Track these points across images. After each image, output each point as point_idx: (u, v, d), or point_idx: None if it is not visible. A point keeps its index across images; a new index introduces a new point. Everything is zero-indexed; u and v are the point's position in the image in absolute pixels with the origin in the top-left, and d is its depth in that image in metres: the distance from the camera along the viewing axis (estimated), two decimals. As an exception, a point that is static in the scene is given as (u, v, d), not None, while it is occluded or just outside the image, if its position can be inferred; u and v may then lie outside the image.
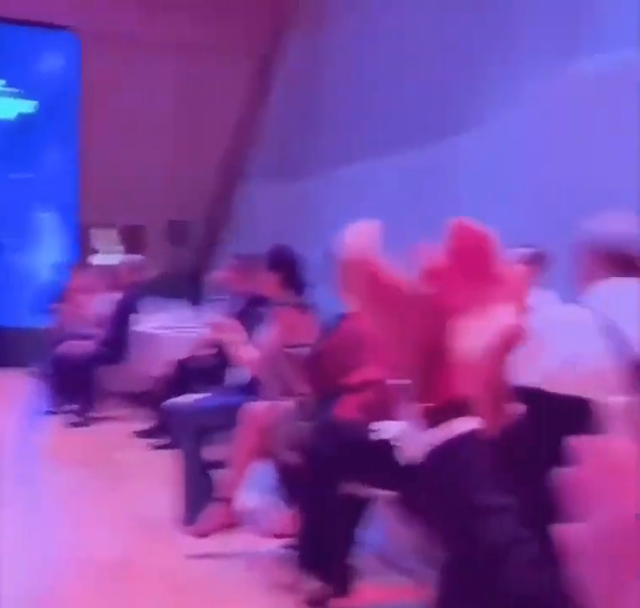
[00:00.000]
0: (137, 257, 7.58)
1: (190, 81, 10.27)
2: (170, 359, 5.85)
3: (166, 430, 5.14)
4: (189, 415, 4.01)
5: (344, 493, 2.77)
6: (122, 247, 10.24)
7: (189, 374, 5.43)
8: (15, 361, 8.00)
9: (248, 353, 3.84)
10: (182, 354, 5.79)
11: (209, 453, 3.96)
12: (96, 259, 9.87)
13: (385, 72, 8.19)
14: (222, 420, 3.74)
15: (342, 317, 3.26)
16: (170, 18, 9.86)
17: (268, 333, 3.71)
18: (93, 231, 10.39)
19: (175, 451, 4.16)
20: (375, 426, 2.85)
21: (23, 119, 10.24)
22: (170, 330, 6.51)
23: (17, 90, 10.18)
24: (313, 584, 2.90)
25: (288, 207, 8.82)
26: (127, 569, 3.46)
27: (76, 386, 6.71)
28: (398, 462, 2.59)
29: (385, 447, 2.72)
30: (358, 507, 2.95)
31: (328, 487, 2.81)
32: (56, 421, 6.65)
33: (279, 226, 8.00)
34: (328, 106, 8.88)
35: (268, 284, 4.02)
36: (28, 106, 10.24)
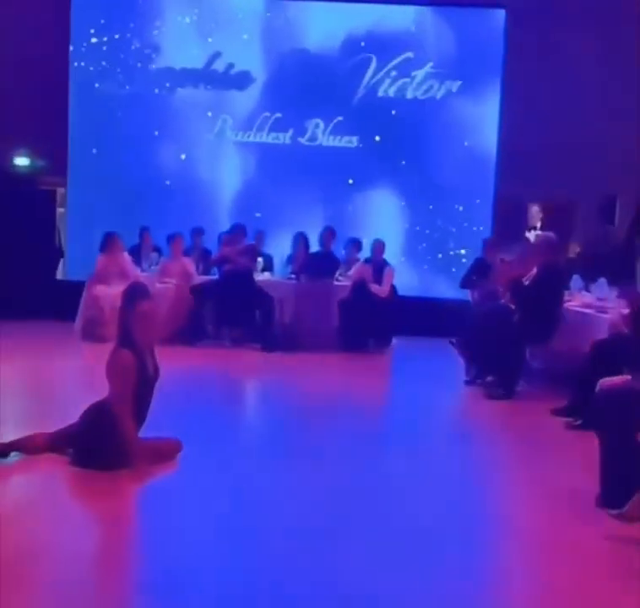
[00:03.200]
0: (551, 234, 7.19)
1: (614, 50, 10.07)
2: (593, 338, 5.71)
3: (584, 410, 5.06)
4: (624, 398, 3.83)
5: None
6: (540, 224, 10.42)
7: (610, 355, 5.19)
8: (442, 332, 8.05)
9: None
10: (601, 334, 5.72)
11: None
12: (531, 235, 10.01)
13: None
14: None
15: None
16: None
17: None
18: (532, 207, 10.56)
19: (591, 432, 4.07)
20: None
21: (448, 98, 10.90)
22: (592, 309, 6.36)
23: (442, 71, 10.85)
24: None
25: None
26: (543, 541, 3.53)
27: (495, 359, 6.50)
28: None
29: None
30: None
31: None
32: (472, 392, 6.66)
33: None
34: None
35: None
36: (453, 86, 10.89)
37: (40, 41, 10.76)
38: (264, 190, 11.04)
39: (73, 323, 9.12)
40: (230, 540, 3.46)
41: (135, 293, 4.53)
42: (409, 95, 11.03)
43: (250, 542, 3.45)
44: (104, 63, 11.15)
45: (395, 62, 10.96)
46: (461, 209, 10.98)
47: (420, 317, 9.84)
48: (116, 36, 11.13)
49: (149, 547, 3.47)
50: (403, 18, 10.95)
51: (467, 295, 9.16)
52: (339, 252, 9.74)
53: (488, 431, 5.76)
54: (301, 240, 9.64)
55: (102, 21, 11.11)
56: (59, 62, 11.04)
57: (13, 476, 4.14)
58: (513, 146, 10.54)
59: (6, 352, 8.00)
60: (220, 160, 11.16)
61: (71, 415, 4.47)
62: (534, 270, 6.77)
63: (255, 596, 2.93)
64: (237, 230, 9.41)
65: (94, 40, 11.12)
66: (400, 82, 11.00)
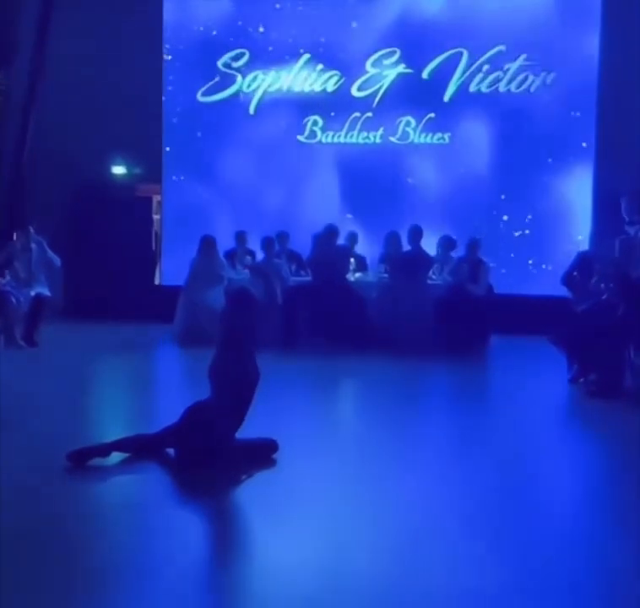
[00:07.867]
0: None
1: None
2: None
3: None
4: None
5: None
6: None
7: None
8: (540, 330, 7.70)
9: None
10: None
11: None
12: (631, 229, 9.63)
13: None
14: None
15: None
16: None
17: None
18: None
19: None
20: None
21: (542, 92, 10.79)
22: None
23: (535, 64, 10.72)
24: None
25: None
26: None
27: (599, 356, 6.53)
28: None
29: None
30: None
31: None
32: (575, 391, 6.74)
33: None
34: None
35: None
36: (547, 79, 10.78)
37: (134, 52, 11.02)
38: (355, 190, 10.99)
39: (170, 326, 9.28)
40: (333, 540, 3.41)
41: (238, 297, 4.56)
42: (502, 88, 10.80)
43: (354, 542, 3.39)
44: (201, 65, 11.33)
45: (487, 55, 10.76)
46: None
47: (518, 316, 9.61)
48: (206, 44, 11.30)
49: (249, 549, 3.45)
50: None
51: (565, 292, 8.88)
52: (433, 250, 9.61)
53: (590, 429, 5.57)
54: (393, 239, 9.54)
55: (197, 27, 11.31)
56: (152, 72, 11.28)
57: (113, 477, 4.20)
58: (615, 137, 10.20)
59: (106, 355, 8.22)
60: (311, 162, 11.17)
61: (170, 416, 4.51)
62: None
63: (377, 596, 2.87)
64: (330, 232, 9.39)
65: (186, 49, 11.33)
66: (493, 76, 10.79)
